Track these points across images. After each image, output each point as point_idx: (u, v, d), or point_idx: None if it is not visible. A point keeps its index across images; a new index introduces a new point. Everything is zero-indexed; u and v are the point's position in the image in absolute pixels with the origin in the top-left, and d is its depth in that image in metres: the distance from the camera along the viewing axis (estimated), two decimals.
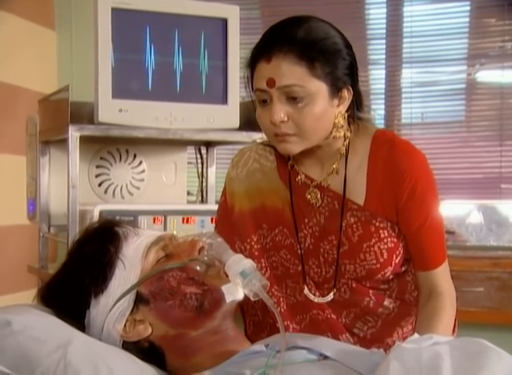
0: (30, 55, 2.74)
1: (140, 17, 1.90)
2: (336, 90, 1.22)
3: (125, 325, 1.07)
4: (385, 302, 1.32)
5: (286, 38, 1.19)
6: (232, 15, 1.99)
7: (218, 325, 1.07)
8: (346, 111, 1.26)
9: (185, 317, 1.06)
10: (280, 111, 1.20)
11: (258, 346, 1.05)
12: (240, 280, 1.03)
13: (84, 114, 1.90)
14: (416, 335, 0.98)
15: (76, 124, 1.85)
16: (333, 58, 1.20)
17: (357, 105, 1.28)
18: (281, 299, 1.33)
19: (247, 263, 1.05)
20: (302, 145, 1.23)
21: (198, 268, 1.08)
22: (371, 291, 1.30)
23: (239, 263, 1.04)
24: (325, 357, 1.02)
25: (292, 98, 1.19)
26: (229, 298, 1.06)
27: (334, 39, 1.22)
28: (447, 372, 0.87)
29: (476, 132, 3.14)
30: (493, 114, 3.07)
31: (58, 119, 1.92)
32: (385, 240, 1.27)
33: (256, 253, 1.33)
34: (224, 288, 1.06)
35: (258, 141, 1.40)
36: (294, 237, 1.31)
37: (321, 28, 1.22)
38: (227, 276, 1.06)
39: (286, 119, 1.20)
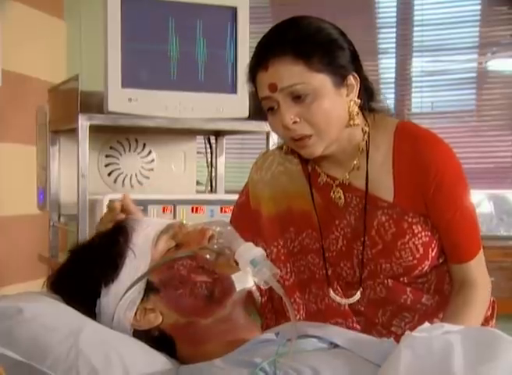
0: (39, 45, 2.74)
1: (151, 6, 1.89)
2: (340, 79, 1.21)
3: (135, 313, 1.07)
4: (423, 299, 1.29)
5: (277, 42, 1.19)
6: (242, 3, 1.98)
7: (228, 313, 1.07)
8: (359, 99, 1.24)
9: (195, 306, 1.06)
10: (289, 113, 1.19)
11: (269, 334, 1.05)
12: (251, 268, 1.03)
13: (94, 103, 1.90)
14: (427, 324, 0.98)
15: (86, 114, 1.85)
16: (330, 48, 1.20)
17: (368, 93, 1.27)
18: (301, 306, 1.32)
19: (258, 252, 1.04)
20: (322, 144, 1.22)
21: (208, 256, 1.07)
22: (408, 289, 1.28)
23: (249, 252, 1.04)
24: (336, 346, 1.02)
25: (297, 98, 1.18)
26: (239, 287, 1.06)
27: (327, 31, 1.21)
28: (459, 361, 0.87)
29: (487, 121, 3.12)
30: (505, 103, 3.05)
31: (68, 108, 1.93)
32: (420, 235, 1.25)
33: (282, 257, 1.32)
34: (234, 277, 1.05)
35: (279, 144, 1.39)
36: (322, 241, 1.30)
37: (312, 24, 1.21)
38: (237, 264, 1.06)
39: (297, 119, 1.19)
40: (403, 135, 1.27)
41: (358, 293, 1.29)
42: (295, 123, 1.19)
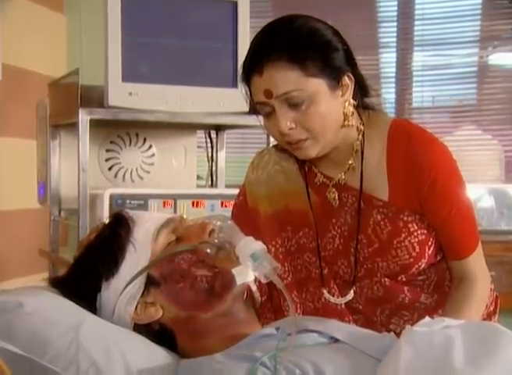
0: (39, 39, 2.73)
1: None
2: (335, 81, 1.20)
3: (136, 307, 1.07)
4: (422, 298, 1.29)
5: (271, 47, 1.18)
6: None
7: (228, 307, 1.07)
8: (354, 99, 1.24)
9: (195, 300, 1.06)
10: (285, 119, 1.19)
11: (269, 329, 1.05)
12: (251, 262, 1.02)
13: (94, 97, 1.90)
14: (427, 318, 0.98)
15: (86, 108, 1.85)
16: (323, 51, 1.19)
17: (362, 90, 1.26)
18: (298, 306, 1.32)
19: (258, 246, 1.04)
20: (318, 146, 1.22)
21: (209, 251, 1.07)
22: (405, 288, 1.28)
23: (249, 246, 1.04)
24: (336, 340, 1.02)
25: (293, 104, 1.18)
26: (239, 281, 1.06)
27: (320, 32, 1.20)
28: (459, 355, 0.87)
29: (488, 115, 3.12)
30: (506, 97, 3.05)
31: (68, 102, 1.92)
32: (415, 233, 1.25)
33: (280, 256, 1.31)
34: (234, 271, 1.05)
35: (274, 143, 1.38)
36: (318, 240, 1.30)
37: (304, 25, 1.20)
38: (238, 258, 1.05)
39: (293, 125, 1.19)
40: (397, 134, 1.26)
41: (351, 292, 1.29)
42: (291, 129, 1.19)
